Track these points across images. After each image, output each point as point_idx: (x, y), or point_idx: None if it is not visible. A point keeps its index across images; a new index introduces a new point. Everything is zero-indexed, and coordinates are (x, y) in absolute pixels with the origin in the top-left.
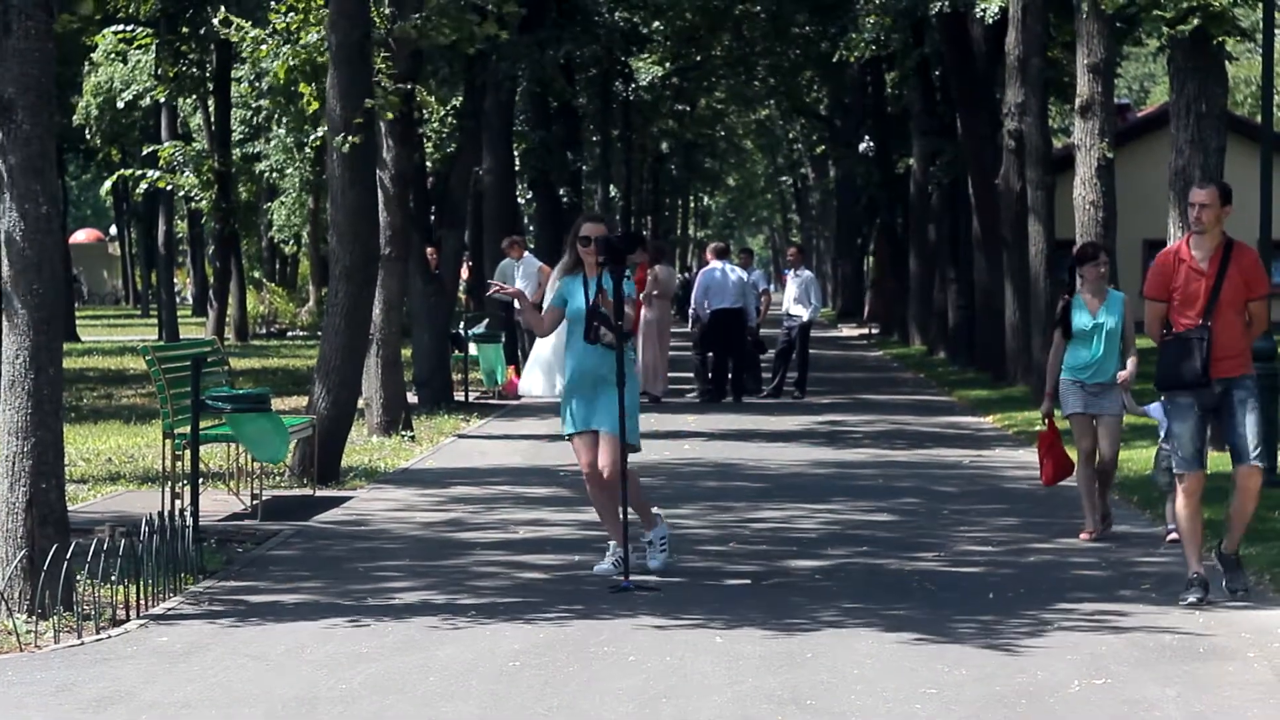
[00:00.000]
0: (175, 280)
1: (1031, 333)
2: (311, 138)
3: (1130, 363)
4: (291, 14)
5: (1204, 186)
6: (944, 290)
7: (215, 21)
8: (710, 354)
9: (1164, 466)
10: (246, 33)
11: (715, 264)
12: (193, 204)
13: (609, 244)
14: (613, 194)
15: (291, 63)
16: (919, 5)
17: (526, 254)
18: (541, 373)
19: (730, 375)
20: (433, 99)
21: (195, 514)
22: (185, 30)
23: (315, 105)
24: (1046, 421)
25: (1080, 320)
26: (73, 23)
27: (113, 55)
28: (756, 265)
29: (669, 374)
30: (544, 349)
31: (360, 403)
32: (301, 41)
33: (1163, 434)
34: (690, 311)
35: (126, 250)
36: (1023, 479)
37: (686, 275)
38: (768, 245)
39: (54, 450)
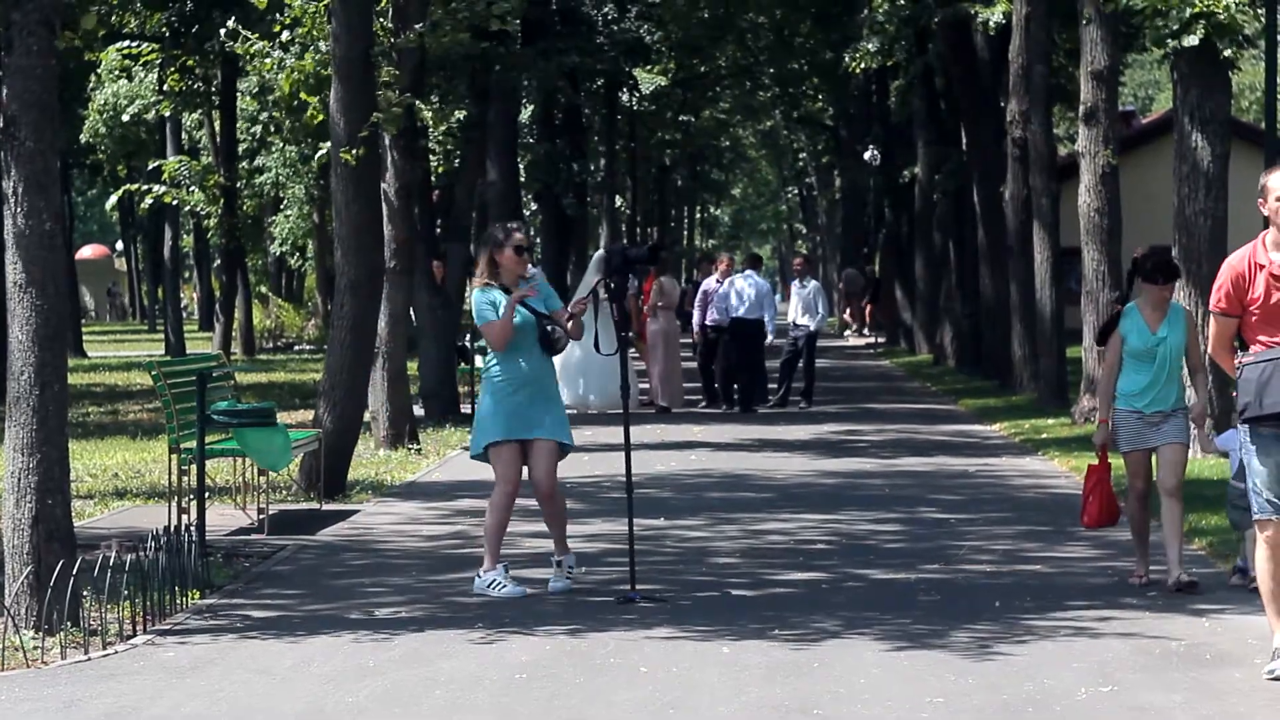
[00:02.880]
0: (181, 295)
1: (1037, 340)
2: (319, 155)
3: (1200, 391)
4: (296, 27)
5: None
6: (950, 298)
7: (222, 33)
8: (714, 366)
9: (1237, 505)
10: (253, 44)
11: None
12: (199, 219)
13: (625, 255)
14: (618, 204)
15: (295, 76)
16: (922, 14)
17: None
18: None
19: (737, 385)
20: (429, 114)
21: (201, 529)
22: (190, 45)
23: (320, 117)
24: (1099, 453)
25: (1138, 337)
26: (75, 40)
27: (117, 72)
28: (762, 275)
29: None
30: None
31: (366, 416)
32: (306, 56)
33: (1234, 468)
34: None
35: (133, 265)
36: (1029, 487)
37: (691, 285)
38: (774, 255)
39: (60, 466)
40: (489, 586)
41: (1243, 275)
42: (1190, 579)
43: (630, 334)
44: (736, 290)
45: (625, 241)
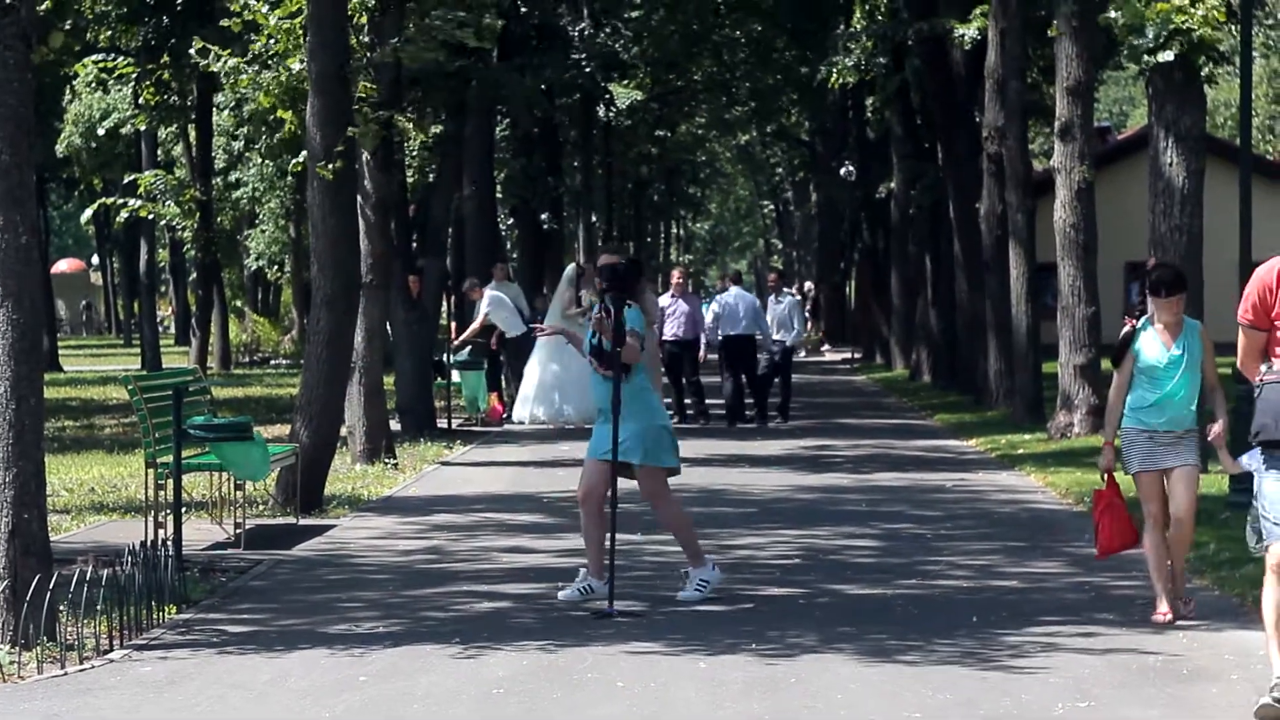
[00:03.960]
0: (157, 309)
1: (1013, 356)
2: (292, 163)
3: (1219, 411)
4: (272, 41)
5: None
6: (926, 314)
7: (193, 51)
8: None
9: (1256, 527)
10: (225, 63)
11: (731, 289)
12: (175, 233)
13: (613, 271)
14: (594, 220)
15: (274, 92)
16: (899, 29)
17: (487, 290)
18: (535, 400)
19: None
20: (411, 125)
21: (178, 543)
22: (166, 59)
23: (297, 131)
24: (1105, 477)
25: (1151, 354)
26: (50, 55)
27: (93, 85)
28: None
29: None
30: (532, 378)
31: (343, 431)
32: (282, 71)
33: (1258, 486)
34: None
35: (109, 279)
36: (1005, 502)
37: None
38: (750, 270)
39: (36, 480)
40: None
41: (1269, 287)
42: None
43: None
44: (729, 307)
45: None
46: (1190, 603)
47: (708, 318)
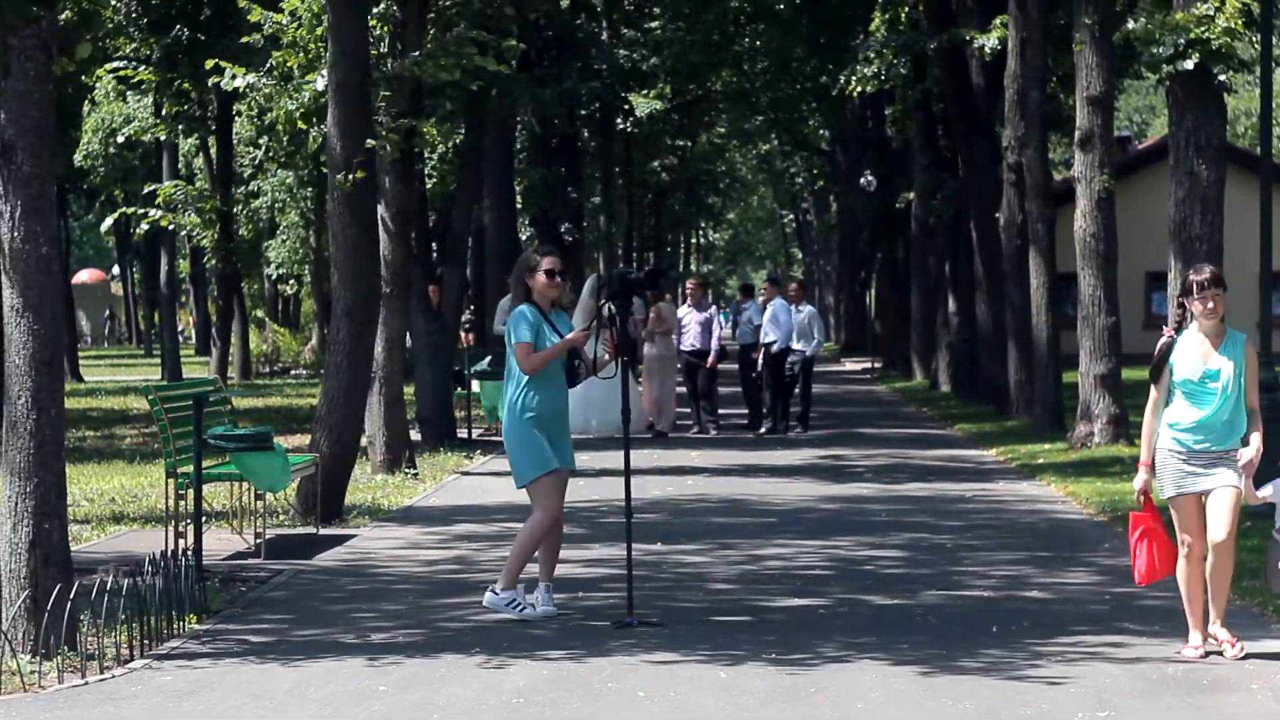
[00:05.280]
0: (178, 319)
1: (1033, 365)
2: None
3: (1254, 437)
4: (296, 52)
5: None
6: (946, 324)
7: (209, 68)
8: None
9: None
10: (244, 79)
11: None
12: (194, 242)
13: (624, 279)
14: (614, 230)
15: (292, 107)
16: (918, 40)
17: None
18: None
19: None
20: (435, 131)
21: (198, 553)
22: (187, 68)
23: (319, 143)
24: (1142, 499)
25: (1186, 369)
26: (72, 66)
27: (111, 95)
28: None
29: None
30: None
31: (363, 441)
32: (307, 89)
33: (1278, 521)
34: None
35: (129, 290)
36: (1027, 512)
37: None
38: (769, 280)
39: (56, 491)
40: (509, 605)
41: None
42: (1230, 647)
43: (627, 359)
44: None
45: (623, 266)
46: (1236, 643)
47: (772, 328)
